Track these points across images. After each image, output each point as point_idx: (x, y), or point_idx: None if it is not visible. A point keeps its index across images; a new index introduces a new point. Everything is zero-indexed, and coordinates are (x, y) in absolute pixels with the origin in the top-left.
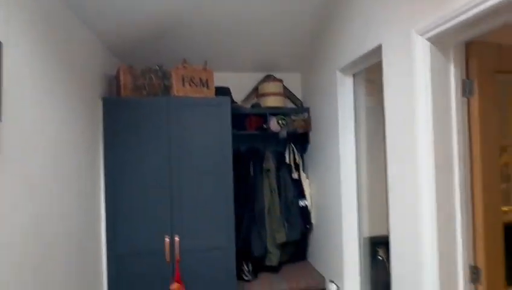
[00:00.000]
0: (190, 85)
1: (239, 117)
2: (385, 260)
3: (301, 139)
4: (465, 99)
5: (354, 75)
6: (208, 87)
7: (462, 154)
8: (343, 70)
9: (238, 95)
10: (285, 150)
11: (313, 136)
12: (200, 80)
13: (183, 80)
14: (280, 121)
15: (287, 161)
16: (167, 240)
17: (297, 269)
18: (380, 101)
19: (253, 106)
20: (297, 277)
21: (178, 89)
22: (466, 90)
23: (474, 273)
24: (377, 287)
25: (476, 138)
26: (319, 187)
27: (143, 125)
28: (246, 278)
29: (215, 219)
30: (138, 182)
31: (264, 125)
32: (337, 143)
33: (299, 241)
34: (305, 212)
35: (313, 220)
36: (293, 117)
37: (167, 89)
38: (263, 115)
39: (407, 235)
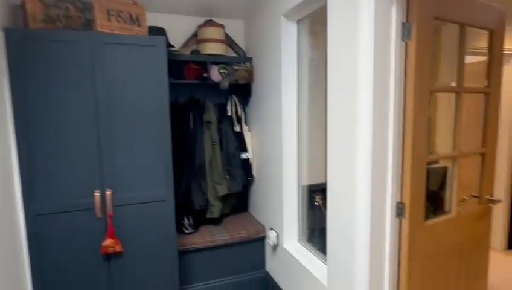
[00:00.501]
0: (117, 20)
1: (177, 64)
2: (321, 205)
3: (243, 91)
4: (404, 43)
5: (298, 22)
6: (139, 25)
7: (397, 100)
8: (288, 16)
9: (176, 41)
10: (227, 102)
11: (255, 88)
12: (130, 15)
13: (108, 13)
14: (222, 71)
15: (229, 113)
16: (97, 194)
17: (238, 220)
18: (322, 54)
19: (192, 53)
20: (238, 227)
21: (102, 24)
22: (405, 33)
23: (399, 209)
24: (313, 230)
25: (411, 83)
26: (260, 140)
27: (60, 65)
28: (186, 231)
29: (151, 170)
30: (58, 132)
31: (205, 74)
32: (279, 95)
33: (240, 194)
34: (246, 164)
35: (255, 173)
36: (235, 67)
37: (89, 24)
38: (203, 64)
39: (344, 177)
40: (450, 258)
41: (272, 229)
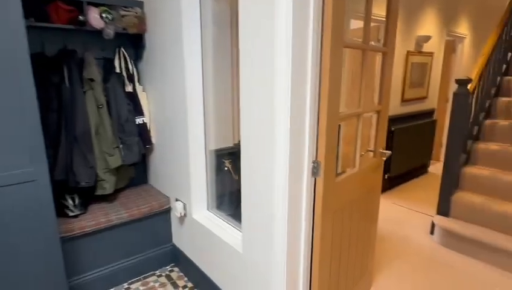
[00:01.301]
0: None
1: (38, 1)
2: (231, 170)
3: (134, 43)
4: None
5: None
6: None
7: (315, 56)
8: None
9: None
10: (114, 56)
11: (149, 39)
12: None
13: None
14: (104, 15)
15: (117, 70)
16: None
17: (137, 194)
18: (227, 8)
19: None
20: (137, 201)
21: None
22: None
23: (315, 168)
24: (223, 196)
25: (328, 38)
26: (159, 101)
27: None
28: (71, 213)
29: (10, 143)
30: None
31: (81, 18)
32: (180, 49)
33: (138, 164)
34: (143, 130)
35: (154, 139)
36: (122, 12)
37: None
38: (78, 3)
39: (261, 139)
40: (354, 208)
41: (178, 199)
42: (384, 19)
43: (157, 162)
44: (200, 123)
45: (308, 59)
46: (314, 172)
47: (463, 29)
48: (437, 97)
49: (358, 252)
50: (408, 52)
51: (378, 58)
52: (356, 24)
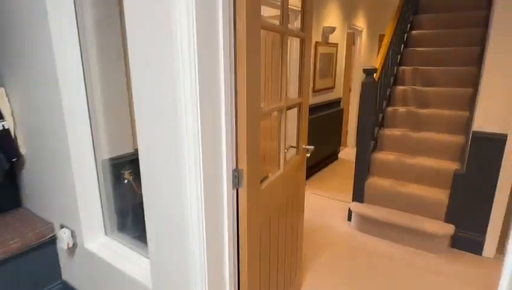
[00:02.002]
0: None
1: None
2: (133, 182)
3: None
4: None
5: None
6: None
7: (227, 36)
8: None
9: None
10: None
11: None
12: None
13: None
14: None
15: None
16: None
17: (7, 222)
18: None
19: None
20: (5, 234)
21: None
22: None
23: (236, 177)
24: (126, 215)
25: (241, 16)
26: (25, 103)
27: None
28: None
29: None
30: None
31: None
32: (47, 38)
33: (4, 183)
34: (6, 139)
35: (23, 149)
36: None
37: None
38: None
39: (164, 145)
40: (281, 212)
41: (63, 226)
42: (296, 8)
43: (32, 179)
44: (84, 126)
45: (219, 41)
46: (236, 183)
47: (360, 22)
48: (342, 87)
49: (288, 257)
50: (316, 42)
51: (294, 45)
52: (267, 11)
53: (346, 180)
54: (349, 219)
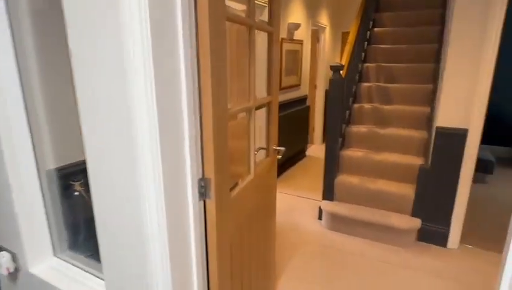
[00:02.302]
0: None
1: None
2: (84, 194)
3: None
4: None
5: None
6: None
7: (187, 29)
8: None
9: None
10: None
11: None
12: None
13: None
14: None
15: None
16: None
17: None
18: None
19: None
20: None
21: None
22: None
23: (202, 188)
24: (77, 232)
25: (203, 5)
26: None
27: None
28: None
29: None
30: None
31: None
32: None
33: None
34: None
35: None
36: None
37: None
38: None
39: (117, 154)
40: (253, 219)
41: (2, 249)
42: (261, 3)
43: None
44: (23, 134)
45: (177, 32)
46: (203, 194)
47: (324, 19)
48: (308, 84)
49: (260, 266)
50: (282, 39)
51: (259, 40)
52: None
53: (315, 178)
54: (320, 217)
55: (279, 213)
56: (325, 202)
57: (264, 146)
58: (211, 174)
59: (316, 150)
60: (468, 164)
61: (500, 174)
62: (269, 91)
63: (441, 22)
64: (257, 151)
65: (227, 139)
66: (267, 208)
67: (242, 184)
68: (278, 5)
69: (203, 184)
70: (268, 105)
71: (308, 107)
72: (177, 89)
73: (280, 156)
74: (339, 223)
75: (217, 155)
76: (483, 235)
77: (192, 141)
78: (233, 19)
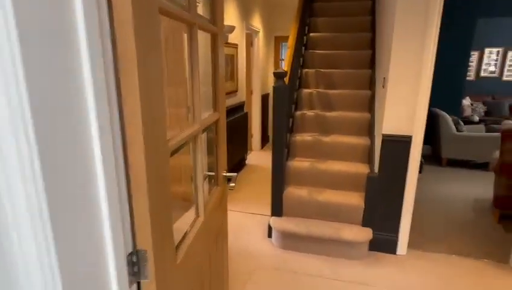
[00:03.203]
0: None
1: None
2: None
3: None
4: None
5: None
6: None
7: (94, 29)
8: None
9: None
10: None
11: None
12: None
13: None
14: None
15: None
16: None
17: None
18: None
19: None
20: None
21: None
22: None
23: (135, 264)
24: None
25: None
26: None
27: None
28: None
29: None
30: None
31: None
32: None
33: None
34: None
35: None
36: None
37: None
38: None
39: None
40: (204, 271)
41: None
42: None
43: None
44: None
45: (76, 33)
46: (135, 273)
47: (257, 23)
48: (245, 90)
49: None
50: None
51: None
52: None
53: (258, 188)
54: (270, 235)
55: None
56: (274, 218)
57: (213, 173)
58: (146, 244)
59: (256, 157)
60: (413, 170)
61: (427, 171)
62: (216, 106)
63: (372, 29)
64: (205, 179)
65: (169, 185)
66: (220, 252)
67: (191, 234)
68: (220, 10)
69: (135, 260)
70: (216, 123)
71: (246, 114)
72: (81, 125)
73: (233, 184)
74: (290, 241)
75: (155, 214)
76: (428, 236)
77: (113, 204)
78: (169, 13)
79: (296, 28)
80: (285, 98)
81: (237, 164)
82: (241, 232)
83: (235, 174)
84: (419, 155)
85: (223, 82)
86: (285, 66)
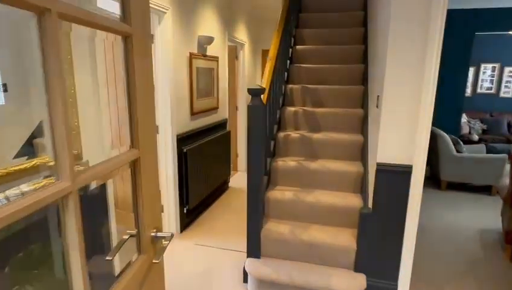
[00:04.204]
0: None
1: None
2: None
3: None
4: None
5: None
6: None
7: None
8: None
9: None
10: None
11: None
12: None
13: None
14: None
15: None
16: None
17: None
18: None
19: None
20: None
21: None
22: None
23: None
24: None
25: None
26: None
27: None
28: None
29: None
30: None
31: None
32: None
33: None
34: None
35: None
36: None
37: None
38: None
39: None
40: None
41: None
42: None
43: None
44: None
45: None
46: None
47: (242, 35)
48: (227, 106)
49: None
50: (191, 54)
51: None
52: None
53: (239, 216)
54: (246, 279)
55: (194, 277)
56: (251, 260)
57: (135, 232)
58: None
59: (242, 178)
60: (413, 205)
61: (426, 196)
62: (134, 140)
63: (363, 41)
64: (127, 236)
65: None
66: None
67: None
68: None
69: None
70: (134, 164)
71: (228, 133)
72: None
73: (168, 242)
74: (269, 288)
75: None
76: (431, 279)
77: None
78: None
79: (278, 38)
80: (262, 118)
81: (218, 187)
82: (212, 275)
83: (170, 233)
84: (421, 187)
85: (151, 104)
86: (264, 81)
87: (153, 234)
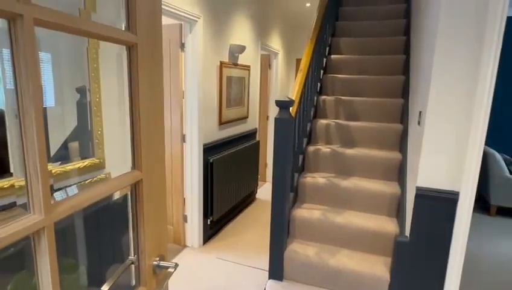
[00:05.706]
0: None
1: None
2: None
3: None
4: None
5: None
6: None
7: None
8: None
9: None
10: None
11: None
12: None
13: None
14: None
15: None
16: None
17: None
18: None
19: None
20: None
21: None
22: None
23: None
24: None
25: None
26: None
27: None
28: None
29: None
30: None
31: None
32: None
33: None
34: None
35: None
36: None
37: None
38: None
39: None
40: None
41: None
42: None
43: None
44: None
45: None
46: None
47: (276, 44)
48: (258, 115)
49: None
50: (222, 63)
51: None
52: None
53: (265, 230)
54: None
55: None
56: (272, 283)
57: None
58: None
59: (269, 189)
60: (460, 236)
61: (472, 221)
62: (137, 161)
63: (405, 51)
64: (127, 266)
65: None
66: None
67: None
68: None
69: None
70: (135, 186)
71: (257, 143)
72: None
73: (173, 270)
74: None
75: None
76: None
77: None
78: None
79: (311, 48)
80: (290, 132)
81: (245, 199)
82: None
83: (173, 263)
84: (469, 217)
85: (159, 120)
86: (293, 92)
87: (155, 263)
